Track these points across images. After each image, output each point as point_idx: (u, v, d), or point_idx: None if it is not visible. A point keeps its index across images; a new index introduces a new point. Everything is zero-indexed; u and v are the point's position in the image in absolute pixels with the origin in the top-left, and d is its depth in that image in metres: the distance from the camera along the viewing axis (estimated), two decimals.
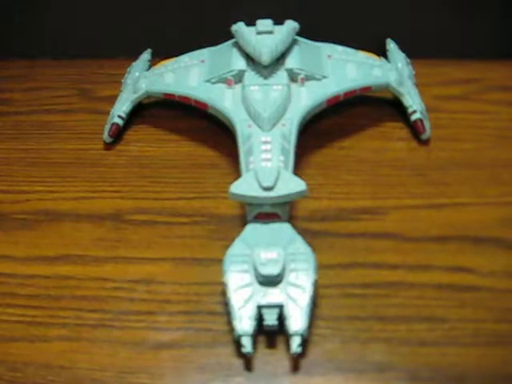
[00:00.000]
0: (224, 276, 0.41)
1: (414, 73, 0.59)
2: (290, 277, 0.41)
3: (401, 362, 0.40)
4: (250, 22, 0.53)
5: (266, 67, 0.52)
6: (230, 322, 0.40)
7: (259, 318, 0.40)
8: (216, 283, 0.43)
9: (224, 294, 0.41)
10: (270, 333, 0.41)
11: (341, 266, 0.46)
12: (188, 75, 0.55)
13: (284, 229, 0.44)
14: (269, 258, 0.40)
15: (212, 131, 0.57)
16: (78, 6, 0.65)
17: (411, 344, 0.41)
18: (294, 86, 0.52)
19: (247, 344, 0.39)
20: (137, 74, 0.60)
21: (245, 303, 0.40)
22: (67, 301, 0.44)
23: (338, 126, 0.57)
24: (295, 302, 0.40)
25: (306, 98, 0.52)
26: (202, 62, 0.56)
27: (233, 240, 0.43)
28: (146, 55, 0.63)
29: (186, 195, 0.51)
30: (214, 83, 0.53)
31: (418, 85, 0.58)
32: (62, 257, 0.47)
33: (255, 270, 0.40)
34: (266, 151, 0.46)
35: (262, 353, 0.40)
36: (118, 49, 0.66)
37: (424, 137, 0.55)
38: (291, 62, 0.53)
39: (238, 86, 0.52)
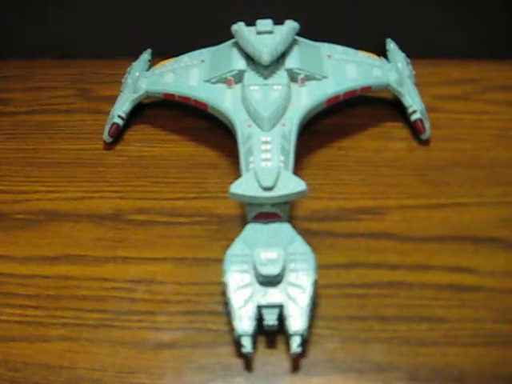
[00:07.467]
0: (224, 276, 0.41)
1: (414, 73, 0.59)
2: (290, 277, 0.41)
3: (401, 362, 0.40)
4: (250, 22, 0.53)
5: (266, 67, 0.52)
6: (230, 322, 0.40)
7: (259, 318, 0.40)
8: (216, 283, 0.43)
9: (224, 294, 0.41)
10: (270, 333, 0.41)
11: (341, 266, 0.46)
12: (188, 75, 0.55)
13: (284, 229, 0.44)
14: (269, 258, 0.40)
15: (212, 131, 0.57)
16: (77, 6, 0.65)
17: (411, 344, 0.41)
18: (293, 86, 0.52)
19: (247, 344, 0.39)
20: (137, 74, 0.60)
21: (245, 303, 0.40)
22: (67, 301, 0.44)
23: (338, 126, 0.57)
24: (295, 301, 0.40)
25: (306, 98, 0.52)
26: (202, 62, 0.56)
27: (233, 240, 0.43)
28: (145, 55, 0.63)
29: (186, 195, 0.51)
30: (213, 83, 0.53)
31: (417, 85, 0.58)
32: (62, 257, 0.47)
33: (255, 269, 0.40)
34: (266, 151, 0.46)
35: (261, 353, 0.40)
36: (118, 49, 0.66)
37: (424, 137, 0.55)
38: (291, 61, 0.53)
39: (238, 86, 0.52)
